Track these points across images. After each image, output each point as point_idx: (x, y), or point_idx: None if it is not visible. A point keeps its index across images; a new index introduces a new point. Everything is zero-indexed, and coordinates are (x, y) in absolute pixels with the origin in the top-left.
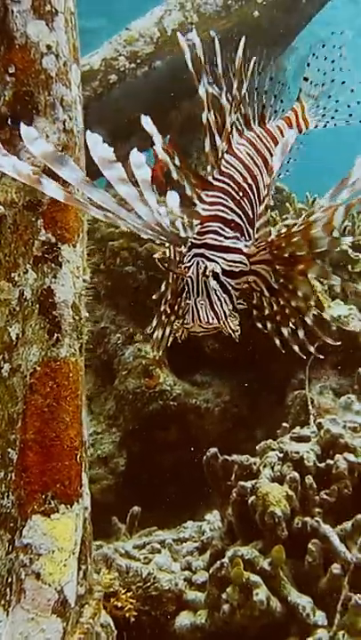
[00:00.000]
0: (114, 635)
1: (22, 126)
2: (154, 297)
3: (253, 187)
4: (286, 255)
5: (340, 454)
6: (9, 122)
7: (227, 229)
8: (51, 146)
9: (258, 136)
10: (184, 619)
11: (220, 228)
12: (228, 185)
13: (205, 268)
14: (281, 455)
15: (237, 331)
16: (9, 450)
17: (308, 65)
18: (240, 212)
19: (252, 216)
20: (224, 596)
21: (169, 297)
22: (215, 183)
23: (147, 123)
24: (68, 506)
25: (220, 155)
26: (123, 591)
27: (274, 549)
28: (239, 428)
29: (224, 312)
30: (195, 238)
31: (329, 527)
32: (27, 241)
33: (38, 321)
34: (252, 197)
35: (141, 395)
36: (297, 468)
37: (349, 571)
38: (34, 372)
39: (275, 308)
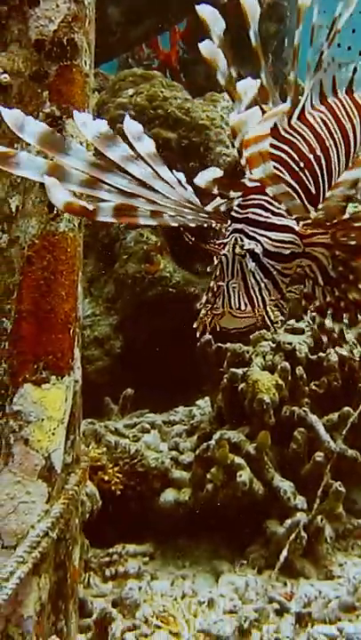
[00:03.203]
0: (99, 504)
1: (4, 111)
2: (208, 269)
3: (323, 160)
4: (352, 243)
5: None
6: None
7: (276, 204)
8: (44, 126)
9: (341, 104)
10: (168, 495)
11: (266, 202)
12: (287, 153)
13: (240, 246)
14: (274, 345)
15: (278, 323)
16: (3, 319)
17: None
18: (297, 187)
19: (315, 192)
20: (208, 475)
21: (217, 272)
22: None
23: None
24: (59, 377)
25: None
26: (110, 465)
27: (260, 434)
28: None
29: (262, 299)
30: (236, 212)
31: (316, 417)
32: (31, 112)
33: (39, 194)
34: (319, 172)
35: (141, 280)
36: (289, 358)
37: (332, 459)
38: (32, 245)
39: (328, 298)
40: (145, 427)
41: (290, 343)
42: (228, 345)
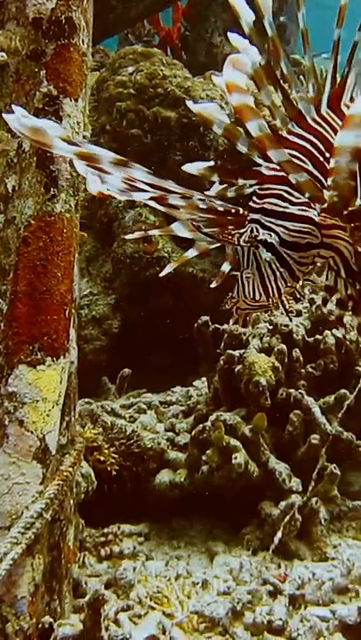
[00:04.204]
0: (94, 485)
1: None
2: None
3: None
4: None
5: (330, 330)
6: None
7: (296, 194)
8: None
9: None
10: (164, 476)
11: (285, 191)
12: (312, 143)
13: (252, 237)
14: (271, 327)
15: (293, 312)
16: None
17: None
18: (321, 177)
19: None
20: (204, 457)
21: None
22: (292, 139)
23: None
24: (55, 358)
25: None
26: (106, 446)
27: (256, 416)
28: None
29: (278, 288)
30: (253, 201)
31: (312, 399)
32: (28, 91)
33: (35, 174)
34: None
35: (139, 259)
36: (285, 340)
37: (328, 442)
38: (28, 226)
39: (350, 291)
40: (141, 407)
41: (287, 325)
42: (226, 326)
